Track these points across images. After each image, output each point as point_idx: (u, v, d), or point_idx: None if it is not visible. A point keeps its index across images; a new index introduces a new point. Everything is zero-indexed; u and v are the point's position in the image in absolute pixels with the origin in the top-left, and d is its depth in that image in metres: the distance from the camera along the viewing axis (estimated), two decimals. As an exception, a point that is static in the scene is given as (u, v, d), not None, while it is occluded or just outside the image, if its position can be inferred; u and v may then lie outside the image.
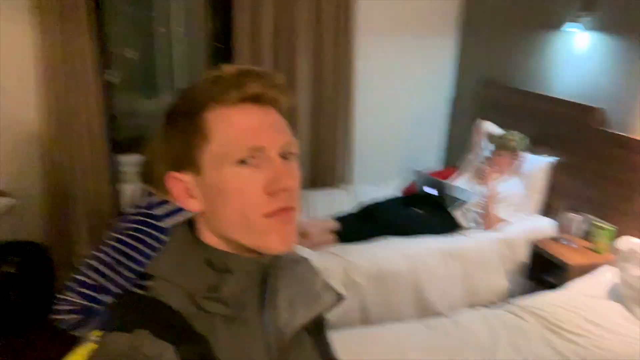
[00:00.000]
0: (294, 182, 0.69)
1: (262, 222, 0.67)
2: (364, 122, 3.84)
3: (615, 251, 2.43)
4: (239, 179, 0.66)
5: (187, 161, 0.69)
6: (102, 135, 3.16)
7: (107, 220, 3.28)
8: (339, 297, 0.79)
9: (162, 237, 1.37)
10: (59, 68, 2.94)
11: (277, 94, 0.70)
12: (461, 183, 3.35)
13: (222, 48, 3.62)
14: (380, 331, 2.18)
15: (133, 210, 1.43)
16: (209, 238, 0.71)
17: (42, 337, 2.86)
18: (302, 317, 0.74)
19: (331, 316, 2.61)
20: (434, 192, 3.13)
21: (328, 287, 0.80)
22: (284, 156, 0.69)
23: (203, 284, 0.68)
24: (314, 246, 2.76)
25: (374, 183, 3.70)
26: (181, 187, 0.70)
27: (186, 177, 0.70)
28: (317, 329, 0.84)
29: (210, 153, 0.67)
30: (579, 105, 2.96)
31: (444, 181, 3.13)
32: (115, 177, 3.30)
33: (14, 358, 2.69)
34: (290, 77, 3.45)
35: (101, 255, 1.32)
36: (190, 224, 0.74)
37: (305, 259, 0.84)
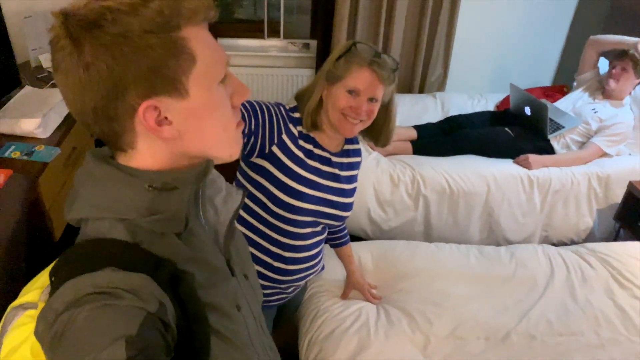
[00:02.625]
0: (250, 93, 0.71)
1: (235, 133, 0.70)
2: (469, 24, 3.35)
3: None
4: (221, 95, 0.67)
5: (169, 85, 0.61)
6: None
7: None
8: (244, 193, 0.79)
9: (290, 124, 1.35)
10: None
11: (214, 13, 0.66)
12: (563, 105, 2.88)
13: None
14: (431, 249, 2.05)
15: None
16: (152, 162, 0.66)
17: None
18: (226, 213, 0.77)
19: (393, 223, 2.50)
20: (528, 111, 2.73)
21: (231, 186, 0.82)
22: None
23: (147, 208, 0.64)
24: (388, 153, 2.60)
25: (468, 94, 3.32)
26: (156, 115, 0.62)
27: (164, 103, 0.62)
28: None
29: (197, 74, 0.63)
30: None
31: (541, 100, 2.70)
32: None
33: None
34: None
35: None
36: (100, 156, 0.68)
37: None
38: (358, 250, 1.95)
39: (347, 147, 1.45)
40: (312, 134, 1.36)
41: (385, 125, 1.40)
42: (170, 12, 0.59)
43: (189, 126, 0.64)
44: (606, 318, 1.75)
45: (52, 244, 2.22)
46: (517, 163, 2.59)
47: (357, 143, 1.50)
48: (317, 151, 1.37)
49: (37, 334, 0.56)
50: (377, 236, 2.50)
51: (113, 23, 0.57)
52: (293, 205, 1.34)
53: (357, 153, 1.49)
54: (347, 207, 1.46)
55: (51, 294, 0.59)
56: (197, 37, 0.62)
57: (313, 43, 3.45)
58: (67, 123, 2.35)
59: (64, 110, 2.38)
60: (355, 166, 1.48)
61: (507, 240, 2.60)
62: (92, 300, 0.54)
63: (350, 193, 1.47)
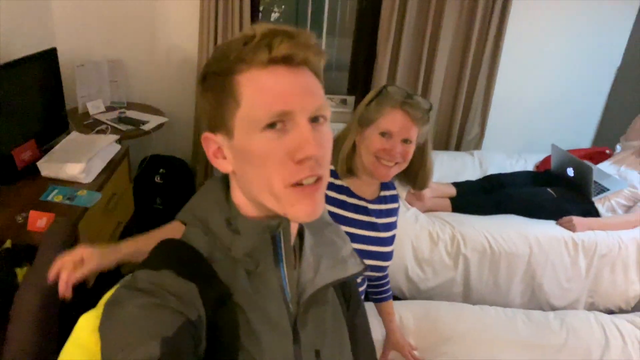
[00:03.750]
0: (322, 149, 0.63)
1: (286, 192, 0.63)
2: (507, 85, 3.38)
3: None
4: (264, 144, 0.62)
5: (220, 123, 0.66)
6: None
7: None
8: (364, 267, 0.78)
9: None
10: (215, 7, 2.99)
11: (307, 54, 0.64)
12: (606, 167, 2.83)
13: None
14: (476, 311, 1.96)
15: None
16: (238, 198, 0.70)
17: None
18: (325, 278, 0.73)
19: (431, 283, 2.42)
20: (571, 172, 2.67)
21: (354, 255, 0.79)
22: (315, 120, 0.64)
23: (221, 238, 0.69)
24: (426, 209, 2.56)
25: (506, 153, 3.29)
26: (214, 147, 0.69)
27: (219, 139, 0.68)
28: (344, 293, 0.85)
29: (240, 117, 0.64)
30: None
31: (584, 162, 2.64)
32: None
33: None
34: (434, 28, 3.14)
35: None
36: (225, 179, 0.75)
37: (335, 224, 0.84)
38: (399, 309, 1.87)
39: (383, 193, 1.41)
40: (345, 183, 1.33)
41: (422, 167, 1.36)
42: (238, 59, 0.63)
43: (238, 166, 0.67)
44: (670, 396, 1.63)
45: (86, 291, 2.21)
46: (561, 225, 2.51)
47: (394, 189, 1.45)
48: (351, 200, 1.33)
49: (103, 306, 0.62)
50: (414, 296, 2.42)
51: (206, 65, 0.68)
52: None
53: (395, 199, 1.45)
54: (387, 256, 1.41)
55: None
56: (253, 81, 0.63)
57: (351, 99, 3.50)
58: (110, 169, 2.39)
59: (108, 156, 2.42)
60: (393, 213, 1.44)
61: (551, 305, 2.48)
62: (137, 297, 0.60)
63: (390, 241, 1.42)
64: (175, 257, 0.67)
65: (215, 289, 0.65)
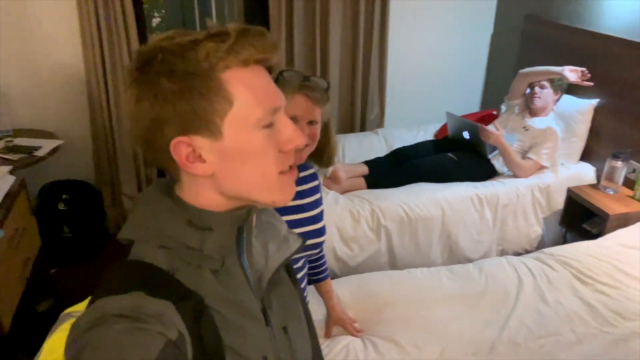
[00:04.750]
0: (304, 140, 0.69)
1: (278, 180, 0.68)
2: (398, 64, 3.60)
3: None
4: (262, 141, 0.65)
5: (202, 125, 0.63)
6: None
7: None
8: (303, 240, 0.82)
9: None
10: (95, 18, 2.87)
11: (278, 56, 0.67)
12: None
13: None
14: (404, 276, 2.09)
15: None
16: (206, 199, 0.68)
17: (92, 269, 2.95)
18: (276, 259, 0.76)
19: (359, 259, 2.53)
20: (466, 135, 2.92)
21: (291, 232, 0.83)
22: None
23: (184, 243, 0.67)
24: (344, 190, 2.67)
25: (407, 127, 3.51)
26: (187, 151, 0.64)
27: (198, 142, 0.64)
28: (287, 268, 0.88)
29: (232, 117, 0.63)
30: (633, 42, 2.62)
31: (476, 124, 2.90)
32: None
33: (67, 286, 2.80)
34: (322, 14, 3.25)
35: None
36: (164, 187, 0.72)
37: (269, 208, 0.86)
38: (335, 287, 1.95)
39: (302, 174, 1.45)
40: None
41: (327, 144, 1.42)
42: (217, 57, 0.61)
43: (223, 167, 0.66)
44: (577, 315, 1.85)
45: (2, 338, 2.05)
46: (483, 132, 2.76)
47: (311, 167, 1.50)
48: None
49: (65, 347, 0.57)
50: (345, 273, 2.52)
51: (160, 62, 0.62)
52: None
53: (314, 177, 1.50)
54: (321, 231, 1.46)
55: (86, 309, 0.61)
56: (241, 80, 0.63)
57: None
58: (7, 203, 2.22)
59: (2, 190, 2.26)
60: (316, 190, 1.49)
61: (467, 258, 2.70)
62: (115, 322, 0.56)
63: (319, 217, 1.48)
64: (138, 277, 0.64)
65: (189, 300, 0.64)
